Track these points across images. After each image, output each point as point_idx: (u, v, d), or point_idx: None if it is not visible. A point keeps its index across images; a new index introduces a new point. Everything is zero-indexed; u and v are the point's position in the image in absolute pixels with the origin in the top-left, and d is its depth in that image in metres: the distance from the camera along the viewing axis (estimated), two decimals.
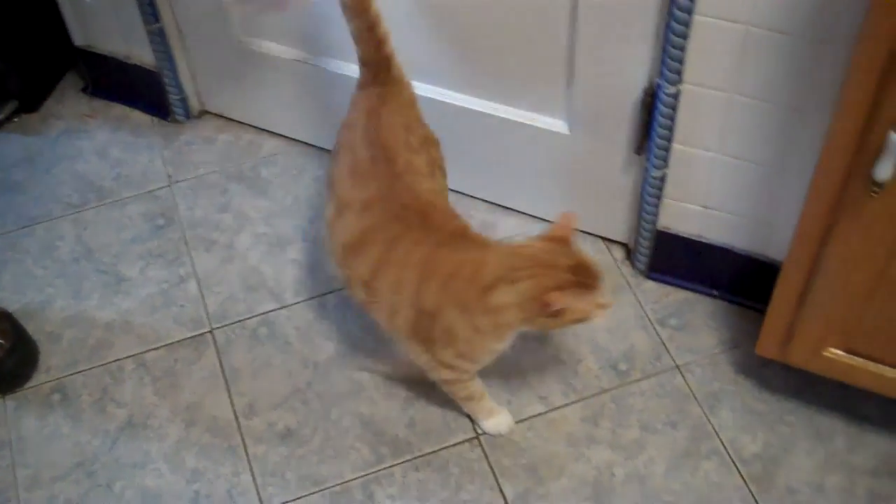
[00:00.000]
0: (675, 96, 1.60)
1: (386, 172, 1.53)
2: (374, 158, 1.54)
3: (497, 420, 1.72)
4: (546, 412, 1.75)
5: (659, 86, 1.61)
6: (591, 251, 1.95)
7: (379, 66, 1.60)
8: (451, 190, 2.04)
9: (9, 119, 2.27)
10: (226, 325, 1.89)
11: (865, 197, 1.29)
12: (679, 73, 1.56)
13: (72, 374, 1.84)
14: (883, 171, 1.23)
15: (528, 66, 1.76)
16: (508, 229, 2.00)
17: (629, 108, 1.69)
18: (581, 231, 1.97)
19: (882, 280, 1.41)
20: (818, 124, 1.45)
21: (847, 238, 1.38)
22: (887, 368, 1.53)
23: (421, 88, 1.89)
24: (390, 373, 1.80)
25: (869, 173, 1.25)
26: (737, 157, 1.64)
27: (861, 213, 1.33)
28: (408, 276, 1.49)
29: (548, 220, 2.00)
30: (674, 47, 1.53)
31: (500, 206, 2.03)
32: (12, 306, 1.92)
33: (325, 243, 1.63)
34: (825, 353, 1.56)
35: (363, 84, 1.63)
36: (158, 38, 2.09)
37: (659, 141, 1.67)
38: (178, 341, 1.88)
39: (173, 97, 2.20)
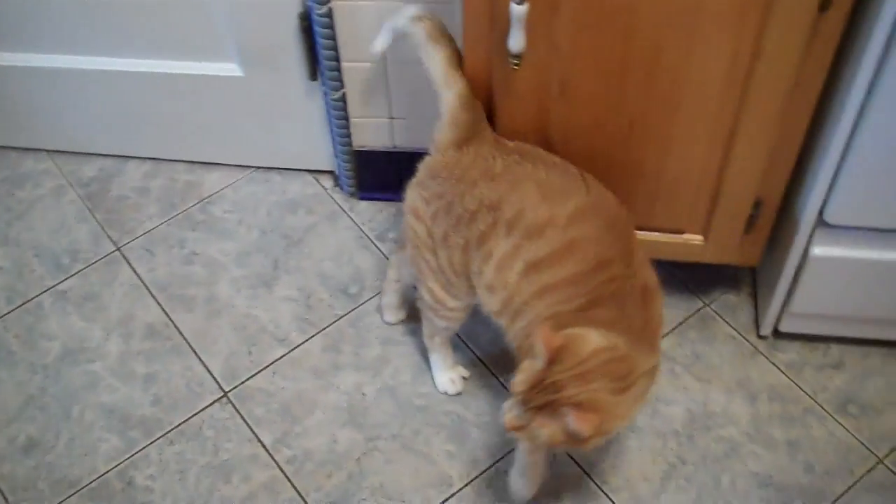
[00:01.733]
0: (329, 15, 1.60)
1: (579, 184, 1.37)
2: (564, 171, 1.38)
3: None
4: (288, 352, 1.75)
5: (311, 8, 1.61)
6: (300, 186, 1.95)
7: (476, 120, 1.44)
8: (147, 158, 2.01)
9: None
10: None
11: (511, 71, 1.34)
12: None
13: None
14: (515, 43, 1.28)
15: (187, 16, 1.72)
16: (214, 185, 1.97)
17: (292, 37, 1.69)
18: (285, 168, 1.97)
19: (547, 148, 1.47)
20: None
21: (508, 113, 1.43)
22: None
23: (88, 62, 1.83)
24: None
25: (506, 47, 1.30)
26: (403, 61, 1.67)
27: (513, 87, 1.39)
28: None
29: (252, 166, 1.98)
30: None
31: (199, 163, 2.00)
32: None
33: (489, 296, 1.42)
34: None
35: (459, 141, 1.43)
36: None
37: (327, 63, 1.68)
38: None
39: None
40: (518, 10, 1.24)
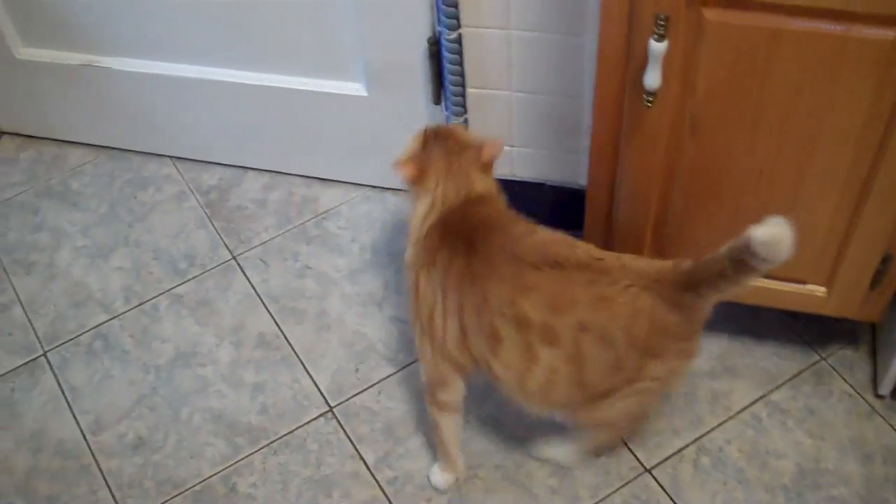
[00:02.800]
0: (458, 41, 1.61)
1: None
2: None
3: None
4: (395, 373, 1.76)
5: (440, 34, 1.62)
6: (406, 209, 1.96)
7: None
8: (266, 171, 2.05)
9: None
10: (59, 346, 1.84)
11: (643, 108, 1.33)
12: (456, 17, 1.58)
13: None
14: (651, 81, 1.27)
15: (316, 34, 1.76)
16: (330, 201, 1.99)
17: (419, 60, 1.70)
18: (401, 189, 1.98)
19: (677, 186, 1.46)
20: (595, 46, 1.48)
21: (636, 150, 1.42)
22: None
23: (213, 74, 1.88)
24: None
25: (640, 84, 1.29)
26: (530, 91, 1.67)
27: (643, 125, 1.37)
28: None
29: (368, 185, 2.00)
30: None
31: (317, 178, 2.03)
32: None
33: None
34: None
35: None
36: None
37: (453, 88, 1.69)
38: (12, 370, 1.81)
39: None
40: (657, 48, 1.23)
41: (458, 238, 1.39)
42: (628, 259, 1.32)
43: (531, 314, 1.31)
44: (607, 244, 1.59)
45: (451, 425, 1.56)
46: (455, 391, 1.50)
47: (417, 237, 1.46)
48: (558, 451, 1.61)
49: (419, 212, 1.45)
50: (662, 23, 1.21)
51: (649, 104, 1.30)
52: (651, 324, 1.29)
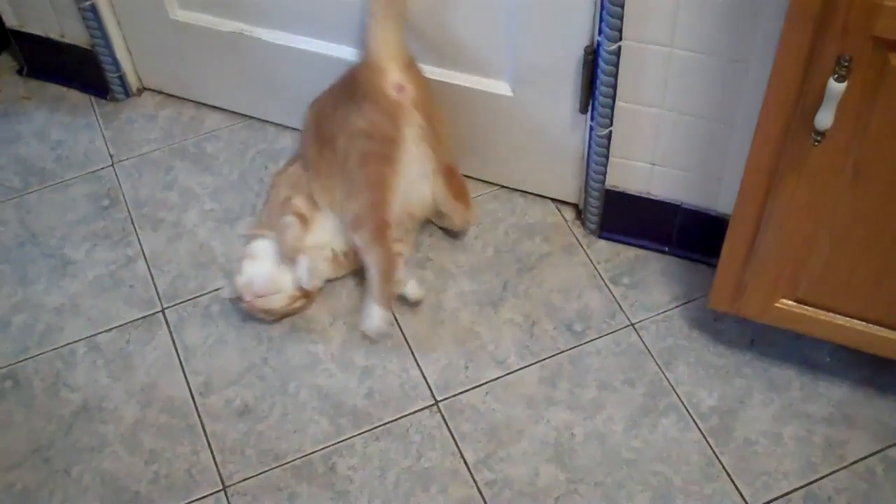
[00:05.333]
0: (616, 53, 1.59)
1: None
2: None
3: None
4: (503, 375, 1.75)
5: (599, 43, 1.61)
6: (541, 213, 1.95)
7: None
8: None
9: None
10: (177, 304, 1.87)
11: (808, 146, 1.29)
12: (619, 29, 1.56)
13: (22, 361, 1.81)
14: (823, 120, 1.23)
15: (469, 29, 1.75)
16: None
17: (572, 67, 1.69)
18: (530, 193, 1.97)
19: (827, 230, 1.42)
20: (760, 75, 1.46)
21: (792, 188, 1.38)
22: (837, 317, 1.55)
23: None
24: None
25: (810, 122, 1.25)
26: (681, 111, 1.64)
27: (805, 163, 1.34)
28: None
29: (498, 184, 2.00)
30: (612, 4, 1.53)
31: None
32: None
33: None
34: (777, 305, 1.57)
35: None
36: (91, 16, 2.04)
37: (602, 99, 1.67)
38: (130, 322, 1.85)
39: (111, 75, 2.16)
40: (836, 88, 1.20)
41: None
42: None
43: None
44: (742, 275, 1.55)
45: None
46: None
47: None
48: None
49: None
50: (846, 64, 1.18)
51: (816, 143, 1.27)
52: None
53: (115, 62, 2.13)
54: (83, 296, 1.89)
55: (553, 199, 1.97)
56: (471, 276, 1.88)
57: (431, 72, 1.84)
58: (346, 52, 1.88)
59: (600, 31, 1.58)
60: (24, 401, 1.76)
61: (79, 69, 2.19)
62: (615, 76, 1.63)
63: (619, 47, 1.58)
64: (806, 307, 1.57)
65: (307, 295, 1.80)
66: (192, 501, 1.64)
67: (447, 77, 1.84)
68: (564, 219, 1.95)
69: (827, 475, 1.62)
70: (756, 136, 1.36)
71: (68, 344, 1.83)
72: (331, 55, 1.90)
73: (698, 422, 1.68)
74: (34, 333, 1.84)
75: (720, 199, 1.74)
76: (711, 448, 1.65)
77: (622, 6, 1.52)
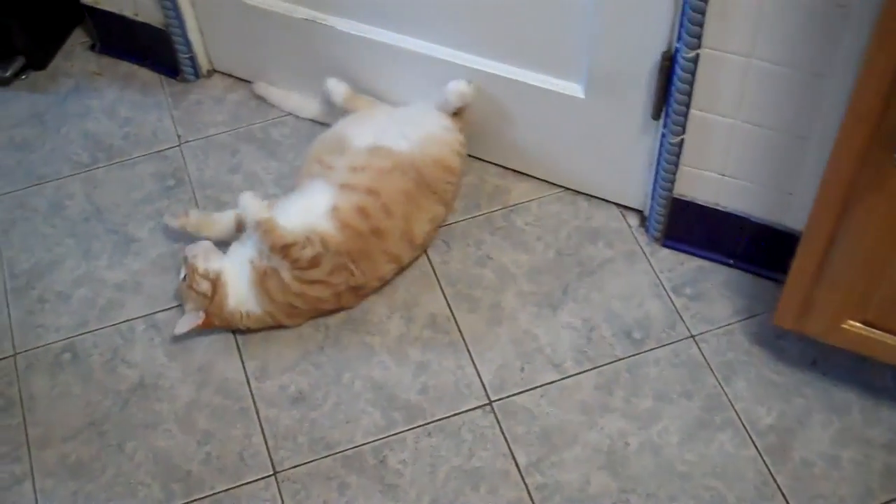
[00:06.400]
0: (694, 61, 1.57)
1: None
2: None
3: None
4: (560, 380, 1.74)
5: (678, 50, 1.58)
6: (605, 218, 1.93)
7: None
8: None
9: (17, 76, 2.24)
10: None
11: (888, 166, 1.27)
12: (698, 37, 1.53)
13: (82, 334, 1.83)
14: None
15: (544, 28, 1.73)
16: (521, 195, 1.98)
17: (647, 72, 1.67)
18: (595, 197, 1.96)
19: None
20: (840, 91, 1.43)
21: (868, 209, 1.36)
22: None
23: (434, 51, 1.88)
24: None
25: (892, 142, 1.23)
26: (756, 123, 1.62)
27: (883, 185, 1.31)
28: None
29: (562, 186, 1.98)
30: (693, 10, 1.51)
31: (512, 170, 2.01)
32: (21, 265, 1.91)
33: None
34: (843, 325, 1.54)
35: None
36: None
37: (677, 106, 1.65)
38: None
39: (182, 56, 2.17)
40: None
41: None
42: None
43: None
44: (810, 293, 1.53)
45: None
46: None
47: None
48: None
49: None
50: None
51: None
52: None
53: (187, 43, 2.15)
54: (145, 273, 1.90)
55: (617, 205, 1.95)
56: (531, 277, 1.87)
57: (503, 69, 1.83)
58: (419, 46, 1.88)
59: (679, 38, 1.56)
60: (81, 374, 1.78)
61: (150, 48, 2.20)
62: (691, 84, 1.61)
63: (698, 55, 1.56)
64: (873, 330, 1.54)
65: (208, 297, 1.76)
66: (243, 485, 1.65)
67: (518, 75, 1.83)
68: (628, 225, 1.93)
69: (885, 503, 1.58)
70: (834, 153, 1.34)
71: (128, 320, 1.84)
72: (403, 48, 1.90)
73: (755, 439, 1.65)
74: (95, 308, 1.86)
75: (790, 214, 1.71)
76: (767, 466, 1.63)
77: (703, 13, 1.50)
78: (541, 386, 1.73)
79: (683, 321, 1.79)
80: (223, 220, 1.87)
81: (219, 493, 1.64)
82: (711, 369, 1.73)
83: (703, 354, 1.75)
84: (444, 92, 1.84)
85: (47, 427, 1.72)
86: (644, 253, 1.89)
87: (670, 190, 1.79)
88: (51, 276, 1.91)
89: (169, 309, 1.85)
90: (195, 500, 1.63)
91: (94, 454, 1.69)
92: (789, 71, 1.52)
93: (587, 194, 1.96)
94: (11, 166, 2.08)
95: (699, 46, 1.55)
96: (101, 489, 1.65)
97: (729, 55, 1.54)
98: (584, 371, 1.74)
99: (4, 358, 1.80)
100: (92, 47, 2.30)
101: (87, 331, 1.83)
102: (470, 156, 2.02)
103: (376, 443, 1.68)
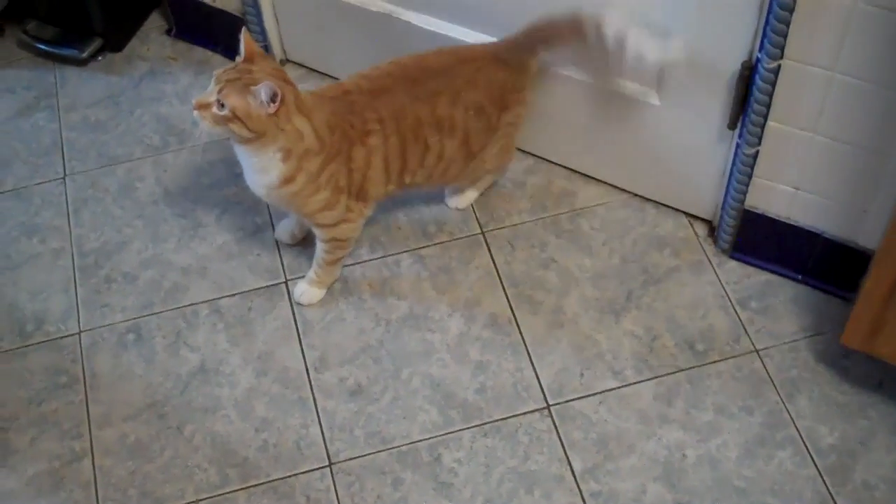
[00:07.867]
0: (775, 72, 1.55)
1: None
2: None
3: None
4: (619, 387, 1.72)
5: (759, 60, 1.56)
6: (672, 226, 1.91)
7: None
8: (531, 154, 2.03)
9: (93, 57, 2.27)
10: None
11: None
12: (781, 47, 1.51)
13: (147, 316, 1.85)
14: None
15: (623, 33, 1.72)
16: (588, 199, 1.96)
17: (725, 81, 1.65)
18: (663, 205, 1.94)
19: None
20: None
21: None
22: None
23: None
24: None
25: None
26: (835, 138, 1.59)
27: None
28: None
29: (630, 192, 1.96)
30: (777, 21, 1.48)
31: (580, 173, 2.00)
32: (91, 244, 1.94)
33: None
34: None
35: None
36: None
37: (754, 117, 1.62)
38: (253, 290, 1.88)
39: (257, 44, 2.18)
40: None
41: (363, 117, 1.68)
42: (460, 49, 1.78)
43: (442, 113, 1.70)
44: (882, 313, 1.50)
45: None
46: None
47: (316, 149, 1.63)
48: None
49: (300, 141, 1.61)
50: None
51: None
52: (500, 85, 1.74)
53: (263, 31, 2.16)
54: (210, 259, 1.92)
55: (686, 213, 1.93)
56: (594, 282, 1.85)
57: (577, 71, 1.82)
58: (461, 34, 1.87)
59: (761, 48, 1.54)
60: (144, 355, 1.80)
61: (226, 34, 2.22)
62: (770, 95, 1.58)
63: (779, 65, 1.54)
64: None
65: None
66: (299, 474, 1.66)
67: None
68: (696, 234, 1.90)
69: None
70: None
71: (192, 304, 1.86)
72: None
73: (816, 458, 1.63)
74: (160, 290, 1.89)
75: (863, 231, 1.68)
76: (827, 487, 1.60)
77: (788, 24, 1.48)
78: (600, 392, 1.72)
79: (748, 335, 1.77)
80: None
81: (274, 480, 1.65)
82: (774, 385, 1.71)
83: (766, 369, 1.72)
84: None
85: (109, 406, 1.75)
86: (711, 264, 1.86)
87: (742, 201, 1.77)
88: (119, 256, 1.94)
89: (233, 295, 1.87)
90: (251, 486, 1.65)
91: (153, 435, 1.71)
92: (872, 87, 1.49)
93: (655, 201, 1.94)
94: (85, 146, 2.11)
95: (781, 57, 1.53)
96: (158, 470, 1.67)
97: (811, 67, 1.52)
98: (645, 380, 1.73)
99: (70, 335, 1.83)
100: (168, 32, 2.33)
101: (152, 312, 1.86)
102: (538, 157, 2.01)
103: (432, 440, 1.68)
